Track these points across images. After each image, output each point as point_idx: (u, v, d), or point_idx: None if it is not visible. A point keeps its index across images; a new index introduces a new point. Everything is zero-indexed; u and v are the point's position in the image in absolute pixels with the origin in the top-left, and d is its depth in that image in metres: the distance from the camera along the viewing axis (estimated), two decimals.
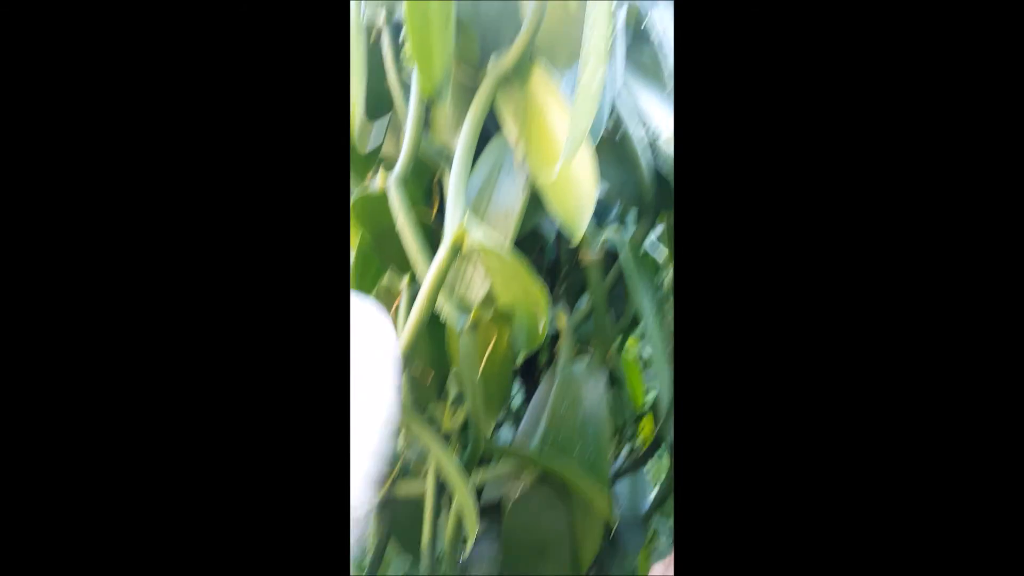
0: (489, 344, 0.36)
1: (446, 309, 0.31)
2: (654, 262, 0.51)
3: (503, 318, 0.34)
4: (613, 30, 0.31)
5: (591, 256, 0.40)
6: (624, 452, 0.59)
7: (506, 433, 0.56)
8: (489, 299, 0.33)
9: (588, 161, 0.32)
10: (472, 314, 0.32)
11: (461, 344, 0.32)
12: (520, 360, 0.47)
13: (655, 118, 0.42)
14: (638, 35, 0.47)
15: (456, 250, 0.29)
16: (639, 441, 0.58)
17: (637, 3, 0.45)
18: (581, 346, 0.48)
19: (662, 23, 0.47)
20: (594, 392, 0.42)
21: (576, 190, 0.33)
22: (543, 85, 0.32)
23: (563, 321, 0.45)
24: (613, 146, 0.42)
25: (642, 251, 0.48)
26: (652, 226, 0.44)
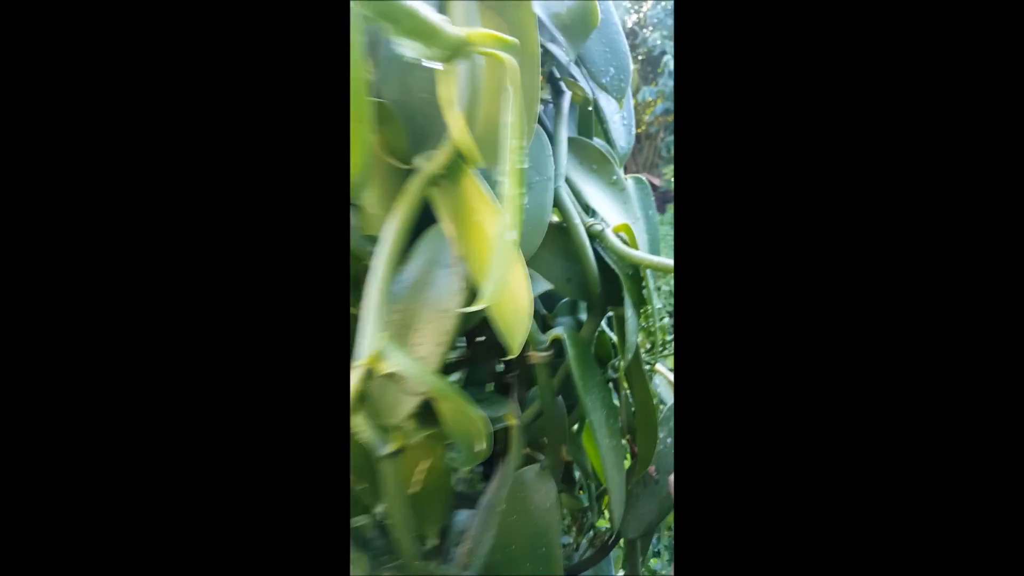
0: (419, 466, 0.33)
1: (364, 434, 0.28)
2: (609, 346, 0.49)
3: (436, 438, 0.32)
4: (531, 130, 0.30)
5: (538, 356, 0.38)
6: (584, 543, 0.56)
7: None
8: (415, 421, 0.30)
9: (522, 275, 0.30)
10: (395, 440, 0.29)
11: (382, 470, 0.29)
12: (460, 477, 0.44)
13: (601, 209, 0.41)
14: (585, 121, 0.46)
15: (369, 375, 0.26)
16: (600, 527, 0.55)
17: (588, 84, 0.44)
18: (534, 444, 0.45)
19: (612, 108, 0.46)
20: (545, 499, 0.39)
21: (512, 304, 0.31)
22: (474, 188, 0.30)
23: (512, 420, 0.42)
24: (557, 239, 0.40)
25: (594, 339, 0.46)
26: (599, 322, 0.42)
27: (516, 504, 0.39)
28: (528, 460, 0.44)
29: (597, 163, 0.43)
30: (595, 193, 0.41)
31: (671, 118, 3.88)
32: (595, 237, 0.41)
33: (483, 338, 0.52)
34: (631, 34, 3.87)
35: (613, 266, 0.39)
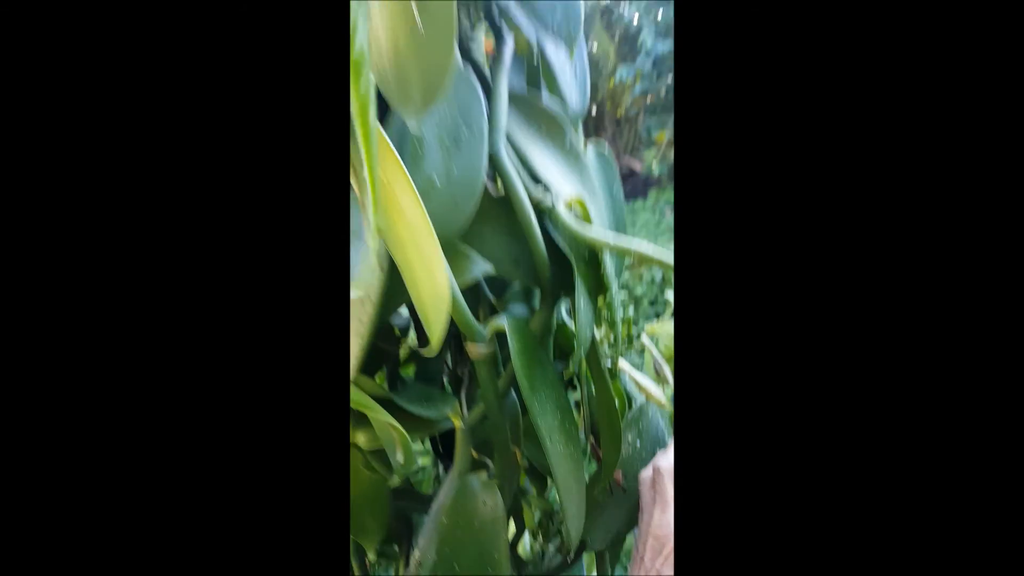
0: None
1: None
2: (572, 340, 0.43)
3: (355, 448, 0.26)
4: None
5: (476, 350, 0.32)
6: (551, 549, 0.51)
7: None
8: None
9: (435, 257, 0.25)
10: None
11: None
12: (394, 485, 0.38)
13: (551, 179, 0.35)
14: (533, 74, 0.40)
15: None
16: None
17: (534, 29, 0.39)
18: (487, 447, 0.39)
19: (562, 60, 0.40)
20: (490, 511, 0.34)
21: (428, 289, 0.25)
22: (366, 143, 0.25)
23: (457, 421, 0.37)
24: (499, 213, 0.35)
25: (551, 331, 0.41)
26: (553, 309, 0.36)
27: (459, 517, 0.34)
28: (480, 466, 0.39)
29: (546, 124, 0.37)
30: (544, 160, 0.35)
31: (650, 99, 3.81)
32: (543, 211, 0.35)
33: None
34: (606, 11, 3.78)
35: (564, 248, 0.34)
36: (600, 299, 0.35)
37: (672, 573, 0.31)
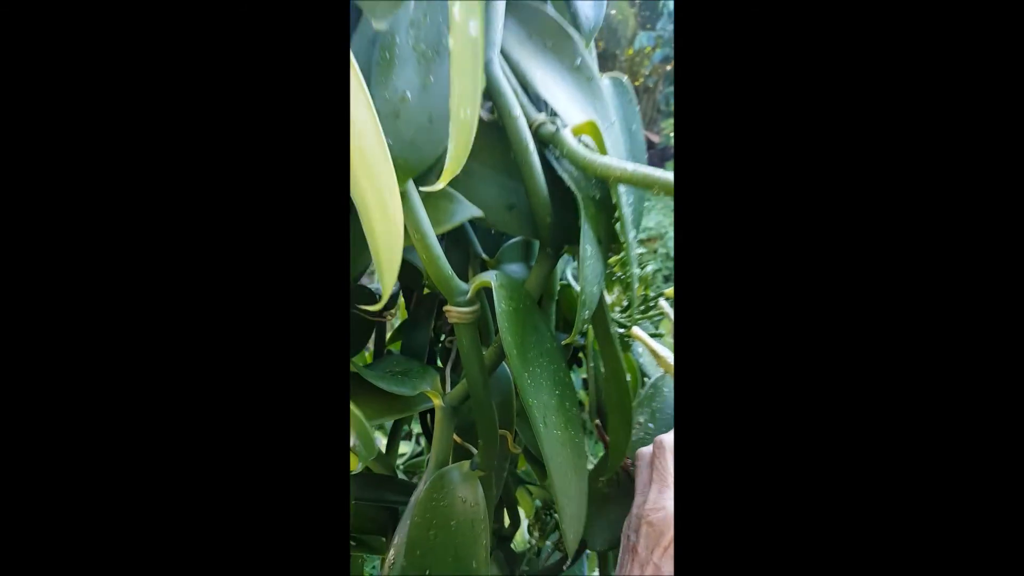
0: None
1: None
2: (574, 299, 0.37)
3: None
4: None
5: (456, 312, 0.26)
6: (549, 545, 0.45)
7: None
8: None
9: (388, 178, 0.18)
10: None
11: None
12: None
13: (557, 102, 0.29)
14: None
15: None
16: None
17: None
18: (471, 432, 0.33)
19: None
20: (469, 510, 0.28)
21: (382, 221, 0.19)
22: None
23: (436, 400, 0.31)
24: (490, 142, 0.28)
25: (552, 294, 0.34)
26: (554, 266, 0.30)
27: (433, 515, 0.28)
28: (464, 454, 0.33)
29: (552, 38, 0.30)
30: (549, 79, 0.29)
31: (671, 67, 3.64)
32: (547, 141, 0.28)
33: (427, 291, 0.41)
34: None
35: (570, 184, 0.27)
36: (614, 253, 0.29)
37: (672, 572, 0.25)
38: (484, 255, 0.33)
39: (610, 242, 0.29)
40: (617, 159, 0.26)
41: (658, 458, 0.28)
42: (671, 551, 0.26)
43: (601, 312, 0.29)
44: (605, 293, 0.39)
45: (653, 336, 0.36)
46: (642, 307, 0.36)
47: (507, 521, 0.43)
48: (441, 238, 0.37)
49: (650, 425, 0.37)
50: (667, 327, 0.38)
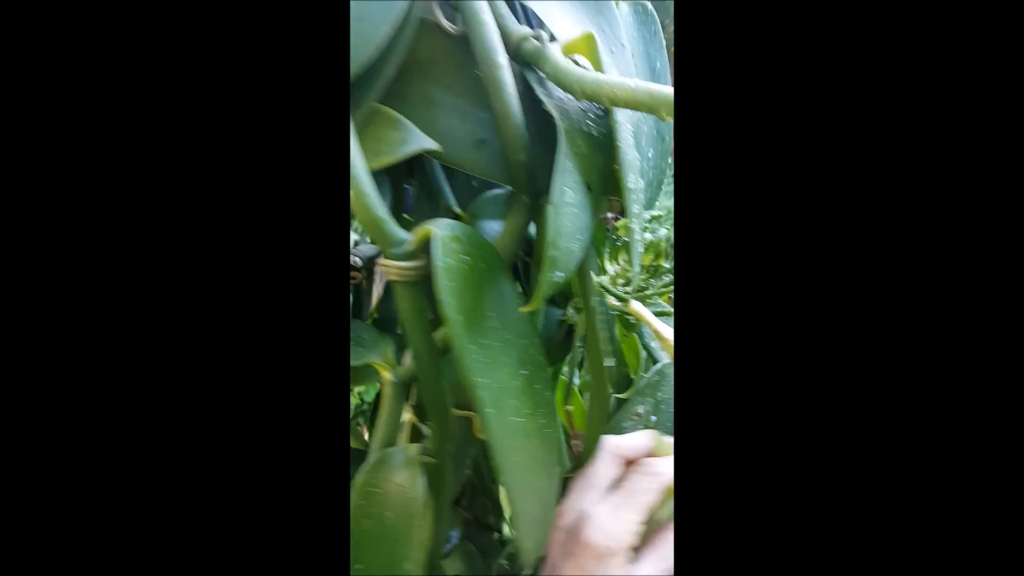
0: None
1: None
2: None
3: None
4: None
5: (394, 267, 0.21)
6: (504, 563, 0.40)
7: None
8: None
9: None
10: None
11: None
12: None
13: (544, 11, 0.23)
14: None
15: None
16: None
17: None
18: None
19: None
20: (405, 499, 0.23)
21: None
22: None
23: (384, 372, 0.26)
24: (455, 61, 0.22)
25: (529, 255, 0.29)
26: (529, 218, 0.24)
27: (369, 503, 0.24)
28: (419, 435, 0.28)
29: None
30: None
31: None
32: (530, 60, 0.23)
33: None
34: None
35: (551, 109, 0.21)
36: (608, 197, 0.23)
37: None
38: (457, 208, 0.28)
39: (604, 182, 0.23)
40: (618, 77, 0.20)
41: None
42: (580, 558, 0.22)
43: (584, 274, 0.24)
44: (607, 263, 0.33)
45: (661, 316, 0.30)
46: (648, 279, 0.30)
47: (488, 510, 0.38)
48: (399, 182, 0.32)
49: (652, 418, 0.32)
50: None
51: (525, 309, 0.22)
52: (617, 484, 0.24)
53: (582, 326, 0.31)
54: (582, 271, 0.24)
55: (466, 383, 0.19)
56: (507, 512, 0.38)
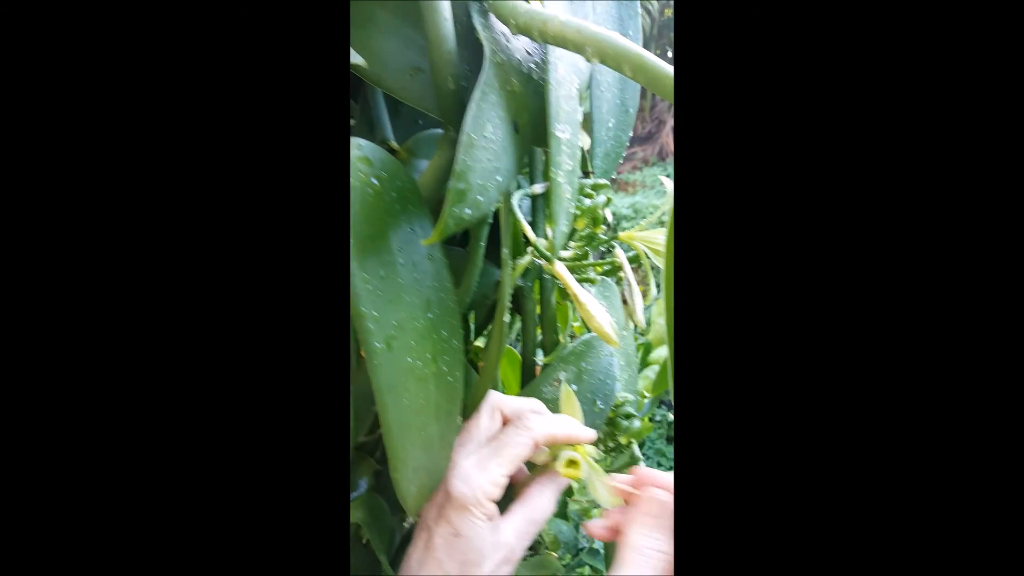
0: None
1: None
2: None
3: None
4: None
5: None
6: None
7: None
8: None
9: None
10: None
11: None
12: None
13: None
14: None
15: None
16: None
17: None
18: None
19: None
20: None
21: None
22: None
23: None
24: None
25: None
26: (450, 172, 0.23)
27: None
28: None
29: None
30: None
31: None
32: None
33: None
34: None
35: (485, 44, 0.20)
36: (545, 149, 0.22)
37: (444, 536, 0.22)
38: (394, 142, 0.27)
39: (537, 122, 0.22)
40: (558, 12, 0.19)
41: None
42: (450, 518, 0.22)
43: (507, 228, 0.23)
44: (551, 228, 0.32)
45: (584, 282, 0.29)
46: (583, 247, 0.29)
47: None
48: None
49: (573, 386, 0.31)
50: (641, 288, 0.30)
51: (426, 243, 0.21)
52: (492, 438, 0.24)
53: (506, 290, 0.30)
54: (510, 222, 0.23)
55: (353, 311, 0.18)
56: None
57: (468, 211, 0.19)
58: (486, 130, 0.19)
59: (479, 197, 0.19)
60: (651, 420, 1.62)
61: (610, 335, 0.26)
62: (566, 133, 0.22)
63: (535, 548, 0.49)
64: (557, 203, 0.22)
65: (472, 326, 0.34)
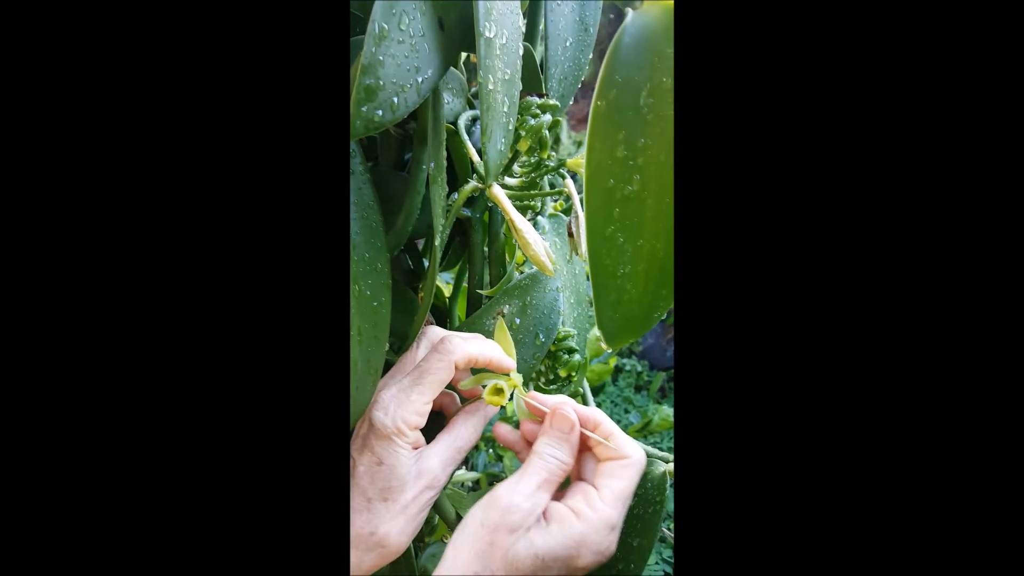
0: None
1: None
2: (461, 150, 0.28)
3: None
4: None
5: None
6: None
7: None
8: None
9: None
10: None
11: None
12: None
13: None
14: None
15: None
16: None
17: None
18: None
19: None
20: None
21: None
22: None
23: None
24: None
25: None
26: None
27: None
28: None
29: None
30: None
31: None
32: None
33: None
34: None
35: None
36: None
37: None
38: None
39: (470, 46, 0.20)
40: None
41: (433, 352, 0.22)
42: (373, 447, 0.22)
43: (433, 139, 0.21)
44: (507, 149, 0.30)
45: (528, 211, 0.28)
46: (530, 173, 0.28)
47: None
48: None
49: (516, 320, 0.30)
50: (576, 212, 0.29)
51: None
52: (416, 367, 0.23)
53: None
54: (434, 133, 0.21)
55: None
56: None
57: (379, 112, 0.17)
58: (401, 22, 0.17)
59: (393, 98, 0.18)
60: (621, 369, 1.64)
61: (545, 263, 0.25)
62: (501, 38, 0.20)
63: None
64: (489, 115, 0.20)
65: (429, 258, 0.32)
